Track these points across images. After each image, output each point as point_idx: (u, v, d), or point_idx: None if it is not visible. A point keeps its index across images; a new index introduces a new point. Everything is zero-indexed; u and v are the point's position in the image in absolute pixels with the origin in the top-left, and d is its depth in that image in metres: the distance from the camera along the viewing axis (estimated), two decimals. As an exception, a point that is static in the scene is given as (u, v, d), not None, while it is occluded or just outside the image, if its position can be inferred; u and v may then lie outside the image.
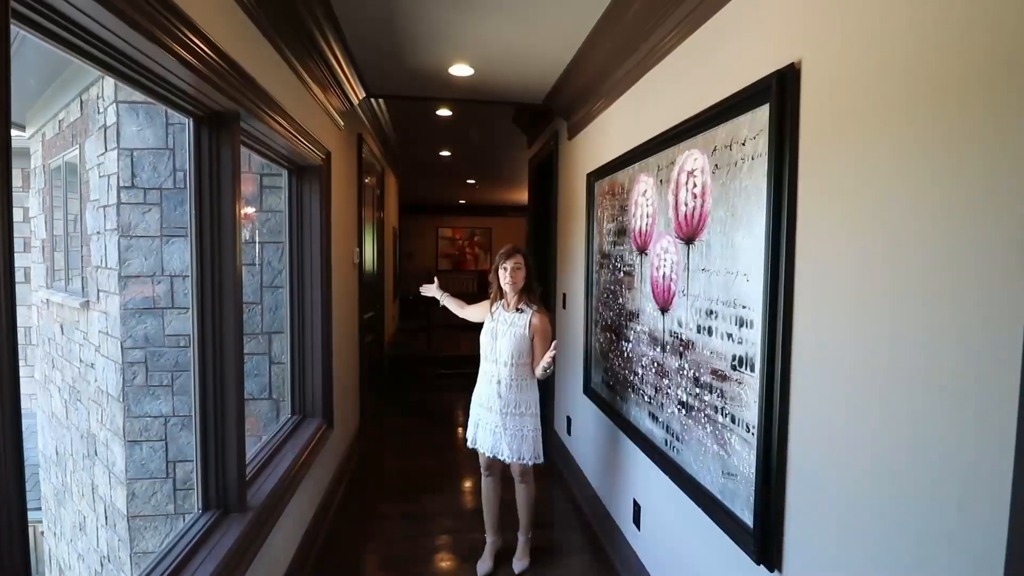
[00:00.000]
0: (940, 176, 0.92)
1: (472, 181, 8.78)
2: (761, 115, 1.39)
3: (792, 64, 1.29)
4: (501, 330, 2.42)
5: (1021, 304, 0.79)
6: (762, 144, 1.38)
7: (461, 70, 2.98)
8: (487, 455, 2.48)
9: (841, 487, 1.15)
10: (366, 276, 4.29)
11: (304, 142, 2.36)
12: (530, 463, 2.40)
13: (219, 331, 1.70)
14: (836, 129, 1.17)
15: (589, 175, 2.93)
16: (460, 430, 4.53)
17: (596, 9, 2.19)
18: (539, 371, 2.32)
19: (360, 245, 3.99)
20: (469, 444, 2.55)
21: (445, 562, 2.62)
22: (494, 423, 2.42)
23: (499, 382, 2.39)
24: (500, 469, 2.56)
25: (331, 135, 2.96)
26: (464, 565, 2.56)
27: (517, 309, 2.41)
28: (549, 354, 2.25)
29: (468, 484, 3.45)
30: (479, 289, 10.74)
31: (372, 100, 4.03)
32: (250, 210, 3.03)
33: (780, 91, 1.31)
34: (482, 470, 2.58)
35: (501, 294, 2.48)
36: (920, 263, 0.96)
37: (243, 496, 1.78)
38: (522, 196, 9.95)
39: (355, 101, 3.27)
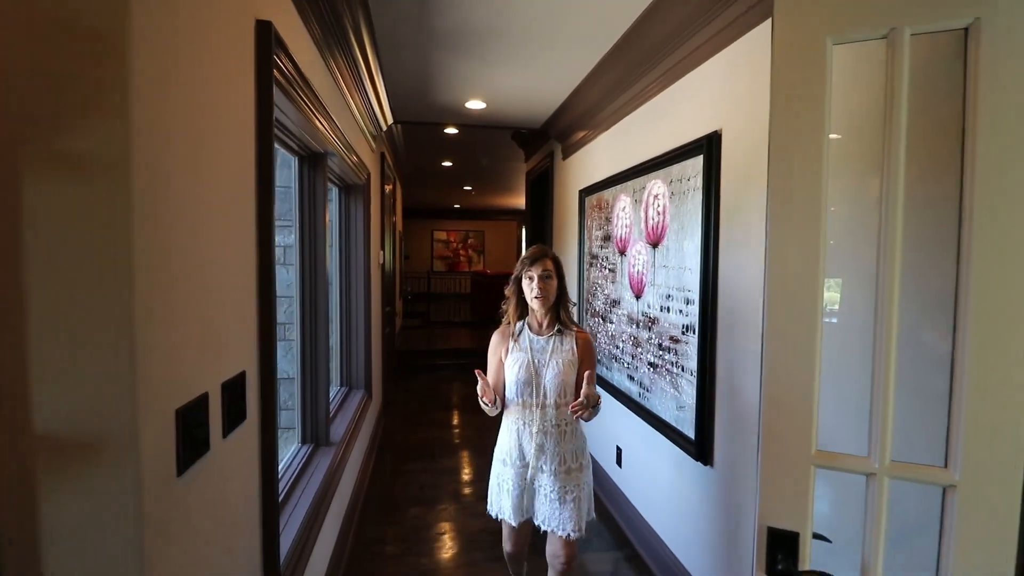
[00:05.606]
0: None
1: (469, 187, 9.42)
2: (698, 161, 2.07)
3: (717, 130, 1.97)
4: (541, 360, 1.85)
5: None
6: (700, 181, 2.06)
7: (475, 104, 3.64)
8: (519, 522, 1.88)
9: (746, 411, 1.83)
10: (386, 275, 4.92)
11: (355, 168, 2.99)
12: (582, 533, 1.83)
13: (313, 308, 2.33)
14: (738, 173, 1.85)
15: (581, 191, 3.59)
16: (461, 411, 5.22)
17: (588, 64, 2.86)
18: (588, 414, 1.71)
19: (383, 248, 4.62)
20: (494, 515, 1.97)
21: (463, 500, 3.26)
22: (540, 485, 1.85)
23: (546, 433, 1.82)
24: (529, 544, 2.00)
25: (368, 157, 3.60)
26: (480, 502, 3.20)
27: (557, 331, 1.88)
28: (587, 386, 1.69)
29: (475, 450, 4.09)
30: (472, 288, 11.26)
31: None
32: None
33: (709, 147, 1.98)
34: (506, 548, 2.00)
35: (521, 313, 1.93)
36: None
37: (328, 432, 2.41)
38: (514, 201, 10.64)
39: (383, 127, 3.91)
